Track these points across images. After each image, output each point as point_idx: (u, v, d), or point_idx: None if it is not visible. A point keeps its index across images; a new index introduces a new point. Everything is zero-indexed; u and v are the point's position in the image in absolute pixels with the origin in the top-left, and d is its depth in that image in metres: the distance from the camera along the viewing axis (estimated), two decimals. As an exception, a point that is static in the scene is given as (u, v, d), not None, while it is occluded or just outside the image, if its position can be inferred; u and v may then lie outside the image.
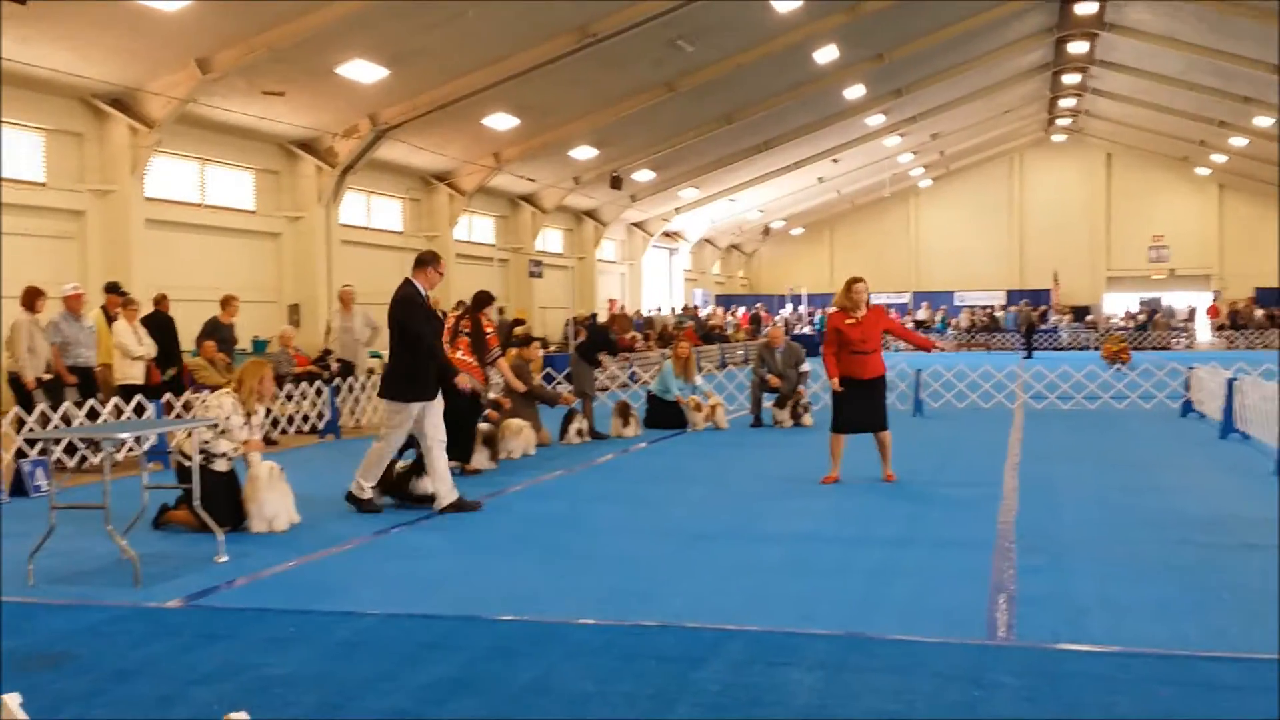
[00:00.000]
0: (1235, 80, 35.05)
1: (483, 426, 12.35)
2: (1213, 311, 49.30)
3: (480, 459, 12.12)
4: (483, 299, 12.37)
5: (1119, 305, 52.53)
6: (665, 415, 16.42)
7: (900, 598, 6.47)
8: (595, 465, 12.80)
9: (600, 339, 16.37)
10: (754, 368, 17.10)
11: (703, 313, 44.82)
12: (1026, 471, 11.51)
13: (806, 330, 44.18)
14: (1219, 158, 47.73)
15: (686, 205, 42.97)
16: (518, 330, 25.47)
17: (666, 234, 46.17)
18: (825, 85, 31.94)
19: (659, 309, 43.67)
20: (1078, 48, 37.14)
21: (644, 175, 35.95)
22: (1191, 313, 49.86)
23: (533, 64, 23.05)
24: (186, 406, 14.16)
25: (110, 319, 14.55)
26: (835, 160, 42.51)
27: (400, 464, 10.03)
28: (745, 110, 32.25)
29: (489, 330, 12.16)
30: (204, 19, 17.52)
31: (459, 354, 11.90)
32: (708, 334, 38.63)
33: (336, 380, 16.98)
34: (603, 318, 34.28)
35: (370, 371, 18.76)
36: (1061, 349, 44.84)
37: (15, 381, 12.95)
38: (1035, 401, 19.34)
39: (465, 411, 11.82)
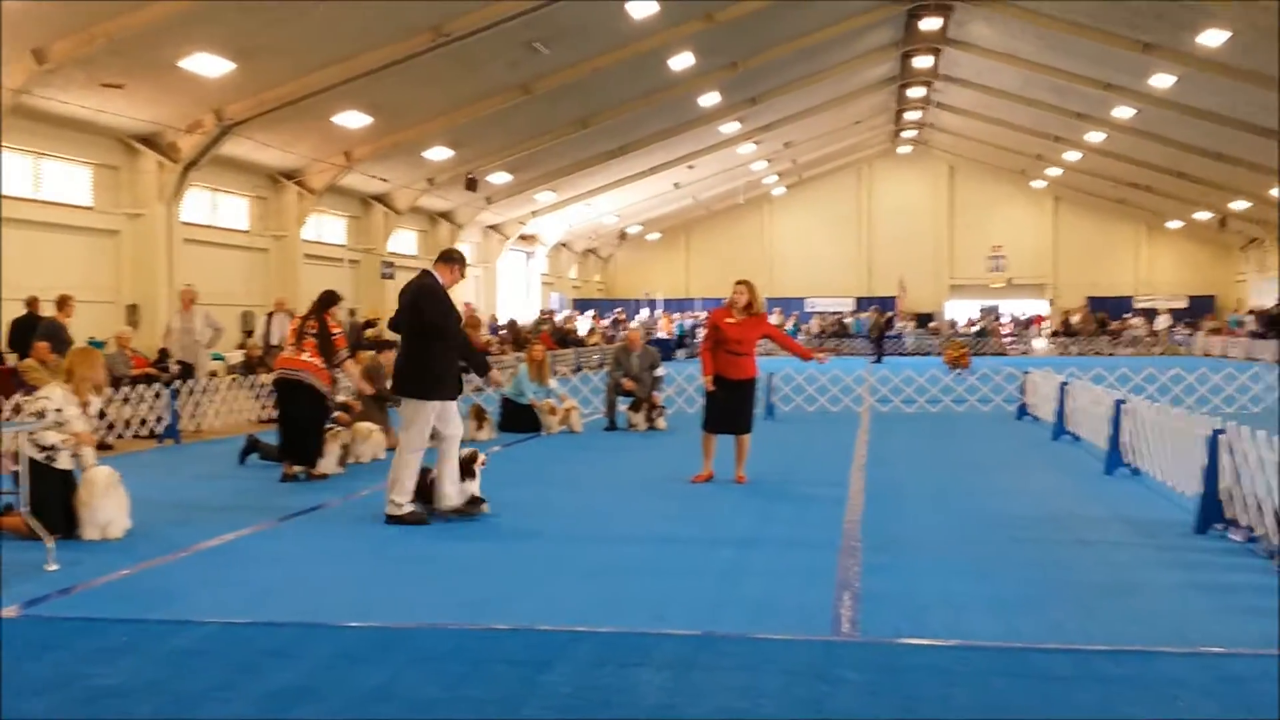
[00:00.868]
0: (1069, 97, 36.64)
1: (331, 430, 12.06)
2: (1039, 320, 51.45)
3: (328, 463, 11.83)
4: (329, 299, 12.07)
5: (961, 312, 54.32)
6: (519, 419, 16.31)
7: (750, 597, 6.53)
8: (447, 469, 12.61)
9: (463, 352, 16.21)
10: (609, 371, 17.12)
11: (559, 317, 44.73)
12: (872, 473, 11.77)
13: (663, 335, 44.46)
14: (1054, 171, 49.81)
15: (543, 209, 42.87)
16: (370, 333, 25.02)
17: (523, 237, 45.96)
18: (681, 92, 32.25)
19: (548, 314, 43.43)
20: (922, 62, 38.31)
21: (500, 178, 35.72)
22: (1029, 320, 51.91)
23: (385, 62, 22.70)
24: (16, 410, 13.48)
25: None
26: (691, 166, 42.94)
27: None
28: (602, 115, 32.34)
29: (336, 331, 11.86)
30: (39, 8, 16.78)
31: (305, 355, 11.60)
32: (563, 337, 38.57)
33: (176, 383, 16.39)
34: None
35: (213, 374, 18.18)
36: (906, 354, 46.11)
37: None
38: (881, 405, 19.83)
39: (310, 414, 11.54)
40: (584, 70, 27.43)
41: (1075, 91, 35.48)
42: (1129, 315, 50.65)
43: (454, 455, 9.28)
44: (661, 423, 16.47)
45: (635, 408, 16.50)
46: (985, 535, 8.36)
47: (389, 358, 15.33)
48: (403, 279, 34.38)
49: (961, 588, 6.69)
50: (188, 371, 17.02)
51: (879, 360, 40.08)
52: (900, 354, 45.99)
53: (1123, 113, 35.96)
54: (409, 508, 9.08)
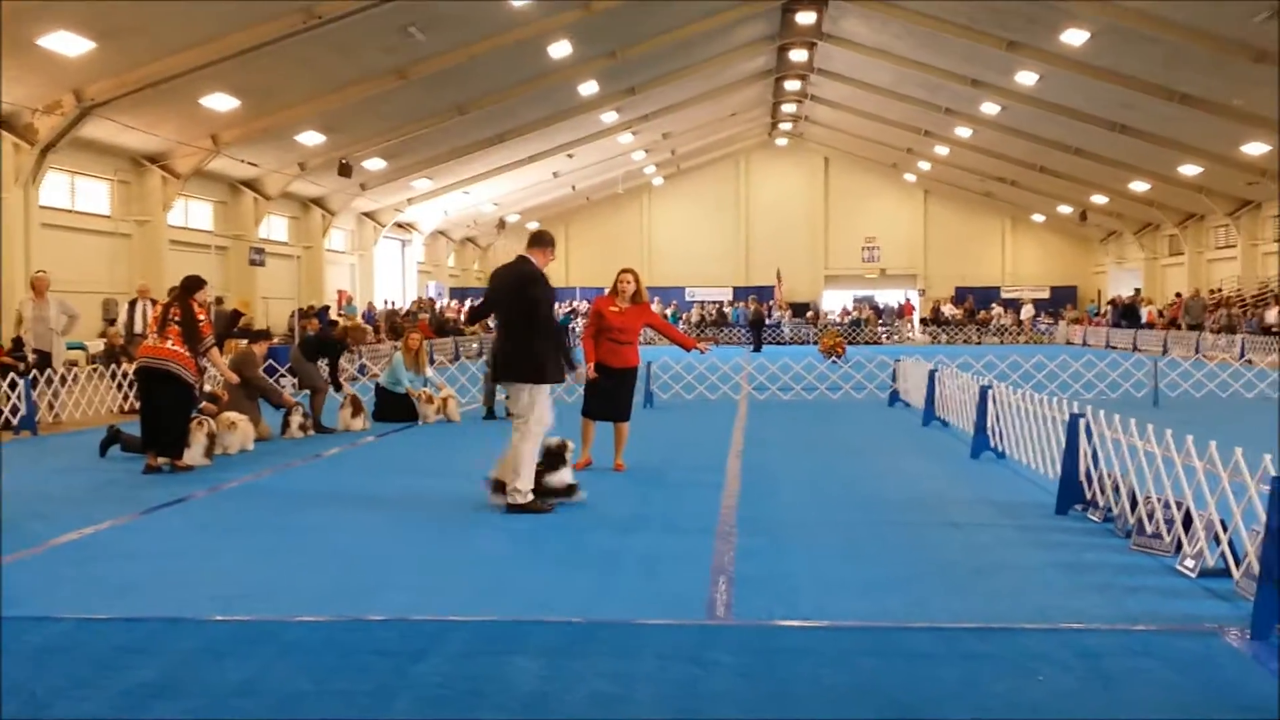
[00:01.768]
0: (939, 93, 37.57)
1: (197, 420, 11.70)
2: (908, 309, 52.74)
3: (194, 454, 11.48)
4: (193, 284, 11.68)
5: (836, 302, 55.33)
6: (395, 408, 16.08)
7: (625, 584, 6.53)
8: (319, 459, 12.38)
9: (327, 347, 15.91)
10: (487, 360, 16.94)
11: (438, 305, 44.24)
12: (749, 459, 11.90)
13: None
14: (924, 165, 51.03)
15: (419, 196, 42.33)
16: (243, 322, 24.40)
17: (399, 225, 45.31)
18: (559, 80, 32.16)
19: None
20: (798, 55, 38.86)
21: (375, 164, 35.17)
22: (905, 309, 53.17)
23: (255, 43, 22.15)
24: None
25: None
26: (570, 155, 42.87)
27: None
28: (480, 101, 32.06)
29: (201, 318, 11.51)
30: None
31: (169, 344, 11.23)
32: (441, 326, 38.17)
33: (33, 372, 15.75)
34: (333, 311, 33.34)
35: (73, 363, 17.52)
36: (784, 343, 46.79)
37: None
38: (758, 393, 20.06)
39: (175, 404, 11.20)
40: (461, 56, 27.16)
41: (945, 88, 36.40)
42: (995, 305, 52.21)
43: (535, 448, 8.97)
44: (540, 411, 16.36)
45: (513, 396, 16.36)
46: (857, 518, 8.51)
47: (261, 349, 15.01)
48: (275, 267, 33.33)
49: (833, 570, 6.80)
50: (45, 361, 16.36)
51: (757, 349, 40.58)
52: (778, 343, 46.64)
53: (989, 109, 37.02)
54: (530, 496, 8.83)
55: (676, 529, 8.16)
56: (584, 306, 51.64)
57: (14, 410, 15.03)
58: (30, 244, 23.06)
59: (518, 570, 6.91)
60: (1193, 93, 29.91)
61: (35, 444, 14.09)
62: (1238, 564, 6.20)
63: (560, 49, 28.83)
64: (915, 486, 10.04)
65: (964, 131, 41.61)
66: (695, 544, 7.53)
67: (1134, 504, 7.54)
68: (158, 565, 7.17)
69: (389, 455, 12.89)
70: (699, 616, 5.77)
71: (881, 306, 52.92)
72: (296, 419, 14.25)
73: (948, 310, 51.66)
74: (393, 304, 42.13)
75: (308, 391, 15.40)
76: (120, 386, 17.65)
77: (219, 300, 26.52)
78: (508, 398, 9.30)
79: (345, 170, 32.80)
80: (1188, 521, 6.82)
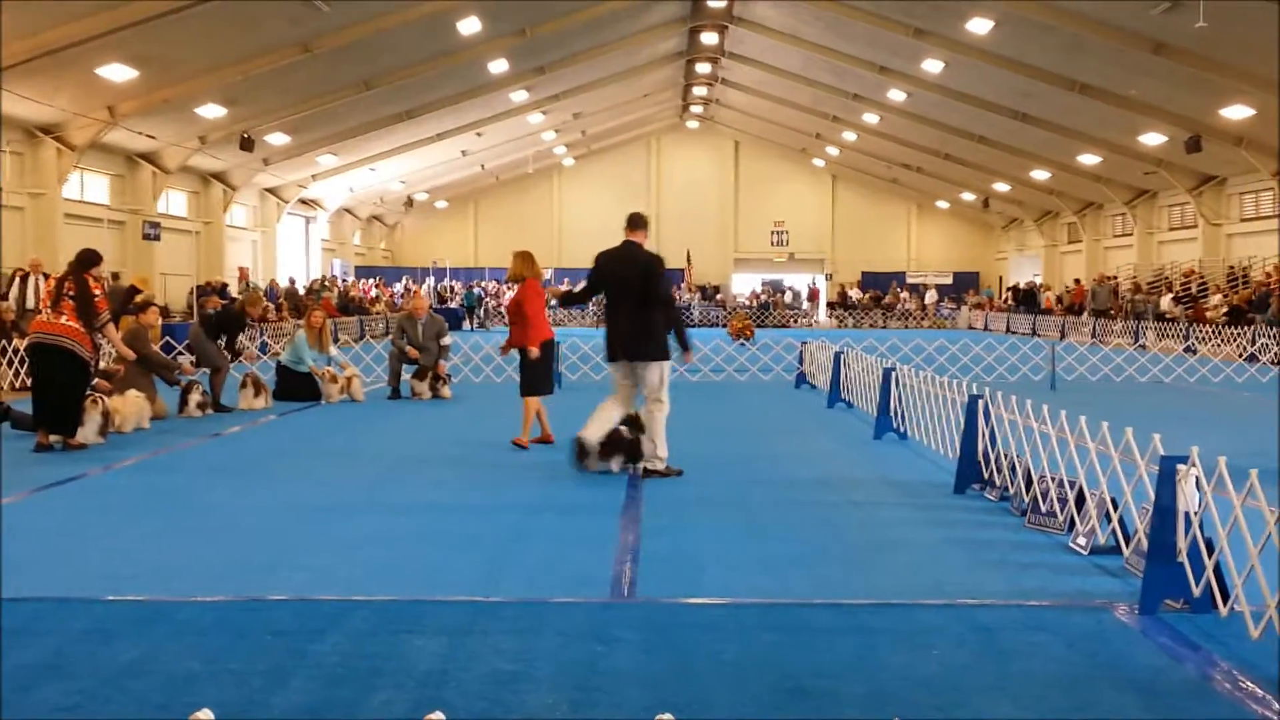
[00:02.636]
0: (847, 79, 37.94)
1: (91, 397, 11.37)
2: (813, 294, 53.35)
3: (88, 432, 11.17)
4: (89, 259, 11.34)
5: (745, 285, 55.68)
6: (297, 387, 15.81)
7: (529, 563, 6.50)
8: (218, 438, 12.13)
9: (229, 322, 15.52)
10: (393, 338, 16.75)
11: (341, 284, 43.60)
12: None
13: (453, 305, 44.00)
14: (833, 150, 51.54)
15: (324, 172, 41.59)
16: (139, 298, 23.75)
17: (303, 201, 44.51)
18: (469, 58, 31.81)
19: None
20: (709, 38, 38.95)
21: (278, 139, 34.48)
22: (812, 293, 53.70)
23: (153, 13, 21.56)
24: None
25: None
26: (479, 134, 42.45)
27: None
28: (386, 77, 31.58)
29: (97, 293, 11.19)
30: None
31: (63, 319, 10.90)
32: (346, 305, 37.63)
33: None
34: (233, 288, 32.65)
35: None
36: (693, 326, 47.01)
37: None
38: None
39: (70, 381, 10.88)
40: (368, 30, 26.70)
41: (852, 74, 36.77)
42: (900, 290, 53.03)
43: (662, 416, 9.53)
44: (446, 391, 16.25)
45: (420, 376, 16.23)
46: (762, 498, 8.58)
47: (150, 319, 14.62)
48: (174, 242, 32.62)
49: (738, 548, 6.84)
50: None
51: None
52: (687, 325, 46.78)
53: (896, 95, 37.48)
54: (665, 463, 9.46)
55: (581, 509, 8.15)
56: (492, 287, 51.33)
57: (-105, 387, 14.48)
58: (-87, 215, 22.23)
59: (416, 550, 6.83)
60: (1092, 83, 30.60)
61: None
62: (1128, 541, 6.37)
63: (469, 25, 28.50)
64: (820, 466, 10.15)
65: (871, 118, 42.10)
66: (600, 524, 7.53)
67: (1029, 483, 7.72)
68: (47, 544, 6.96)
69: (290, 435, 12.67)
70: (603, 594, 5.77)
71: (788, 290, 53.36)
72: (195, 397, 13.93)
73: (854, 294, 52.34)
74: (294, 281, 41.39)
75: (207, 370, 15.05)
76: (11, 363, 17.10)
77: (115, 276, 25.80)
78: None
79: (247, 145, 32.09)
80: (1080, 500, 6.99)
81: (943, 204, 55.54)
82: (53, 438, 10.92)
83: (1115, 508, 6.61)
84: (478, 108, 38.20)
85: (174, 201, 35.41)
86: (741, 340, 29.37)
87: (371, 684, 4.43)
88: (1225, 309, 31.09)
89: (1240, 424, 13.67)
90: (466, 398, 16.37)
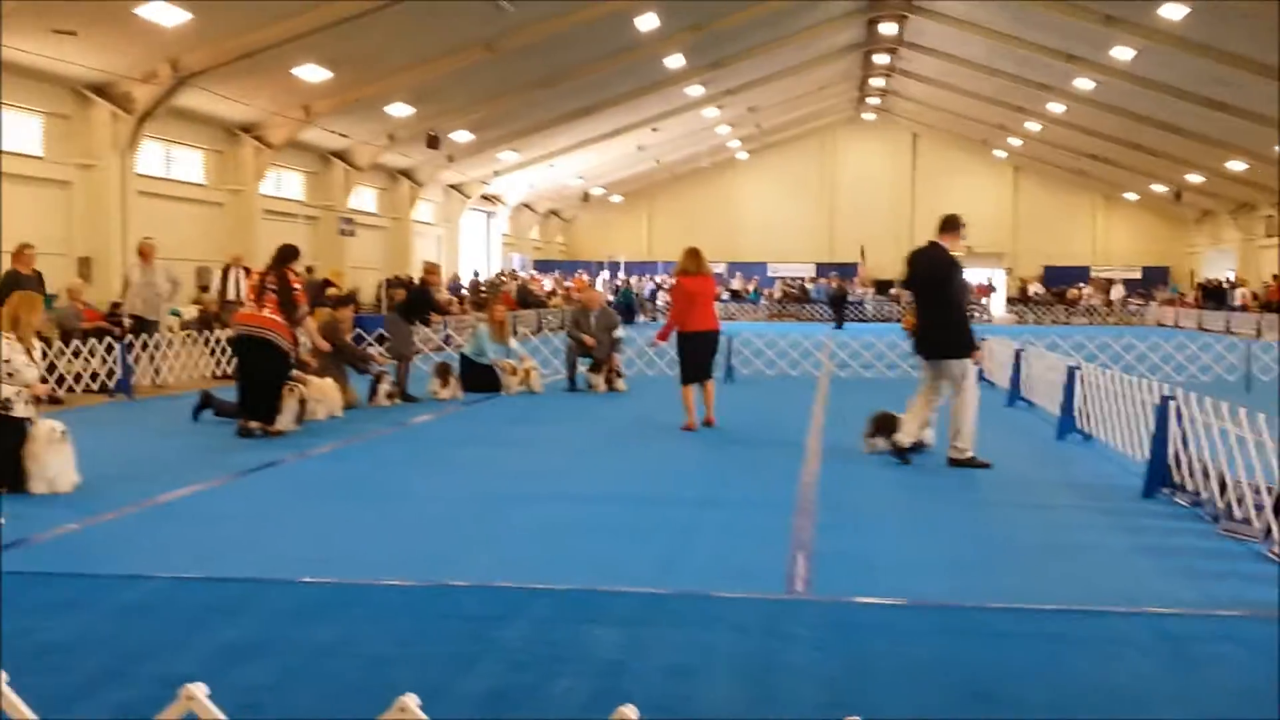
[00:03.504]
0: (1032, 67, 36.79)
1: (289, 386, 11.94)
2: (983, 290, 51.79)
3: (285, 420, 11.73)
4: (288, 253, 11.91)
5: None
6: (479, 378, 16.25)
7: (703, 556, 6.57)
8: (405, 427, 12.59)
9: (420, 300, 16.05)
10: (569, 330, 17.06)
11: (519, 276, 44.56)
12: (830, 436, 11.84)
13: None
14: (1015, 141, 50.05)
15: (505, 168, 42.55)
16: (331, 291, 24.80)
17: (485, 197, 45.65)
18: (646, 54, 32.05)
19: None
20: (888, 29, 38.29)
21: (462, 136, 35.42)
22: (980, 289, 52.24)
23: (347, 15, 22.36)
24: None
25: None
26: (655, 129, 42.75)
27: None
28: (566, 74, 32.08)
29: (297, 286, 11.74)
30: (-13, -51, 16.38)
31: (266, 311, 11.47)
32: (525, 298, 38.44)
33: (129, 337, 16.19)
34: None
35: (170, 329, 17.97)
36: (867, 320, 46.36)
37: None
38: (840, 370, 19.94)
39: (271, 371, 11.44)
40: (549, 29, 27.16)
41: (1038, 62, 35.63)
42: (1084, 285, 51.18)
43: (972, 407, 9.81)
44: (621, 384, 16.47)
45: (595, 369, 16.49)
46: (938, 498, 8.44)
47: (346, 314, 15.27)
48: (364, 237, 33.75)
49: (913, 548, 6.76)
50: (143, 326, 16.79)
51: (839, 326, 40.28)
52: (861, 320, 46.23)
53: (1084, 84, 36.17)
54: (970, 453, 9.69)
55: (755, 503, 8.17)
56: (667, 281, 51.67)
57: (110, 374, 15.46)
58: (127, 211, 23.63)
59: (593, 539, 6.97)
60: (1295, 69, 28.91)
61: (130, 407, 14.50)
62: (1332, 553, 6.06)
63: (647, 21, 28.74)
64: (999, 467, 9.90)
65: (1057, 107, 40.72)
66: (774, 519, 7.54)
67: (1223, 488, 7.39)
68: (247, 527, 7.36)
69: (471, 425, 13.06)
70: (777, 591, 5.79)
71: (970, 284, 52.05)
72: (384, 387, 14.49)
73: (1035, 289, 50.74)
74: (477, 275, 42.49)
75: (395, 361, 15.61)
76: (214, 352, 18.08)
77: (309, 269, 26.98)
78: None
79: (433, 142, 33.08)
80: (1278, 507, 6.67)
81: (1131, 196, 53.28)
82: (254, 424, 11.50)
83: (1319, 518, 6.29)
84: (654, 103, 38.47)
85: (364, 197, 36.79)
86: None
87: (553, 671, 4.55)
88: None
89: None
90: (640, 390, 16.56)
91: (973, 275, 53.73)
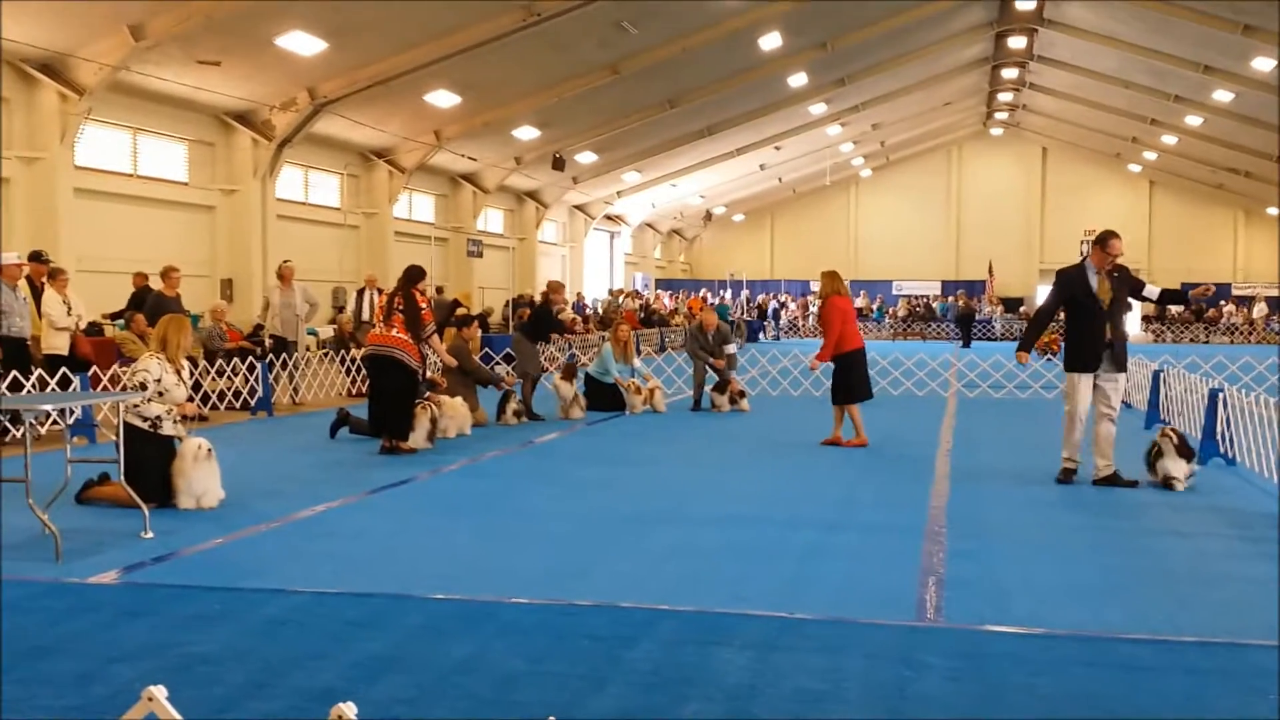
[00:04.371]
0: (1167, 79, 35.75)
1: (422, 405, 12.24)
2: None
3: (417, 437, 12.02)
4: (415, 274, 12.21)
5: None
6: (603, 397, 16.39)
7: (832, 580, 6.52)
8: (531, 446, 12.76)
9: (544, 318, 16.22)
10: (691, 349, 16.99)
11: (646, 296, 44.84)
12: (958, 458, 11.65)
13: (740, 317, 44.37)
14: (1150, 155, 48.63)
15: (628, 189, 42.94)
16: (460, 312, 25.28)
17: (608, 217, 46.09)
18: (769, 72, 32.07)
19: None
20: (1017, 42, 37.64)
21: (586, 157, 35.86)
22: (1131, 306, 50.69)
23: (476, 41, 22.89)
24: (114, 381, 13.88)
25: (36, 289, 14.22)
26: (777, 148, 42.69)
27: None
28: (689, 95, 32.27)
29: (424, 305, 12.03)
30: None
31: (394, 331, 11.77)
32: (648, 317, 38.65)
33: (270, 357, 16.75)
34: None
35: (308, 349, 18.54)
36: (995, 339, 45.45)
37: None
38: (968, 390, 19.59)
39: (400, 389, 11.71)
40: (672, 50, 27.40)
41: (1173, 74, 34.63)
42: (1225, 303, 49.38)
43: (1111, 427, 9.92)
44: (744, 404, 16.45)
45: (719, 388, 16.49)
46: (1073, 523, 8.24)
47: (471, 333, 15.55)
48: (491, 258, 34.34)
49: (1048, 575, 6.61)
50: (282, 345, 17.36)
51: (966, 345, 39.58)
52: (989, 338, 45.34)
53: (1222, 96, 35.02)
54: (1113, 469, 9.83)
55: (882, 527, 8.07)
56: (787, 299, 51.41)
57: (251, 392, 16.01)
58: (267, 234, 24.52)
59: (719, 561, 6.96)
60: None
61: (270, 424, 14.98)
62: None
63: (771, 41, 28.74)
64: (1135, 491, 9.63)
65: (1194, 120, 39.47)
66: (903, 543, 7.45)
67: (1381, 519, 7.06)
68: (384, 543, 7.55)
69: (596, 444, 13.17)
70: (908, 617, 5.71)
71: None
72: (511, 405, 14.73)
73: (1173, 307, 49.06)
74: (615, 291, 42.75)
75: (521, 380, 15.84)
76: (349, 371, 18.60)
77: (439, 290, 27.56)
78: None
79: (558, 164, 33.58)
80: None
81: (1273, 211, 51.24)
82: (393, 442, 11.77)
83: None
84: (776, 121, 38.43)
85: (491, 219, 37.47)
86: (1048, 355, 28.16)
87: (682, 694, 4.56)
88: None
89: None
90: (763, 410, 16.51)
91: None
